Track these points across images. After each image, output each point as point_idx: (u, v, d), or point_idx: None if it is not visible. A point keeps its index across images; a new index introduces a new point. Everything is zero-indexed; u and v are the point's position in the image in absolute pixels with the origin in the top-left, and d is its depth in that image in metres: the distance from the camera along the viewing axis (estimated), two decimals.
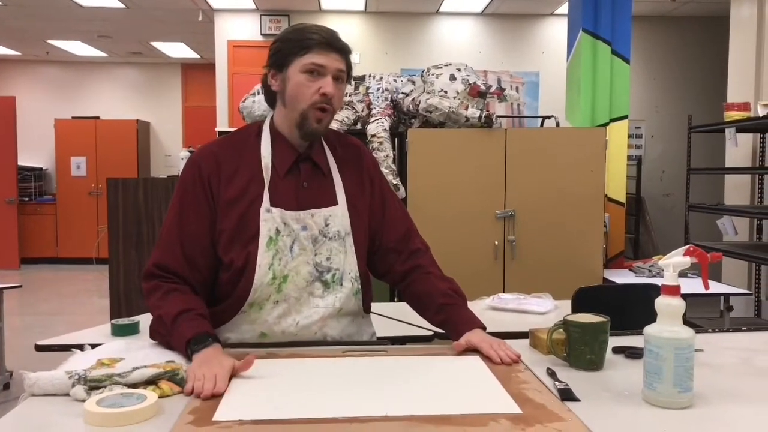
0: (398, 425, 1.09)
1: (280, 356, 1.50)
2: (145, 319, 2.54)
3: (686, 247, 1.31)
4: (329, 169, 1.63)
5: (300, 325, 1.56)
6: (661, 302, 1.23)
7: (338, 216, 1.59)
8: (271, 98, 1.63)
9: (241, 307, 1.55)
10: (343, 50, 1.55)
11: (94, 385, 1.24)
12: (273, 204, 1.54)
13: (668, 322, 1.22)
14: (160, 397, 1.24)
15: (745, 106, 4.62)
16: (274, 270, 1.53)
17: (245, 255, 1.51)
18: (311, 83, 1.52)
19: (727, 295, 3.67)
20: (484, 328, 1.58)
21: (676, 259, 1.28)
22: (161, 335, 1.51)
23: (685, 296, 1.23)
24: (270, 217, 1.53)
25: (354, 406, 1.17)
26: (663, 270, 1.26)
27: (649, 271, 4.03)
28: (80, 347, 1.50)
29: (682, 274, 1.26)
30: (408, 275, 1.68)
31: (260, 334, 1.57)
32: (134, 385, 1.24)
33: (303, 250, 1.56)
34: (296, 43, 1.53)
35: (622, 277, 3.96)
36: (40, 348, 2.31)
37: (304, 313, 1.57)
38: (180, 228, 1.54)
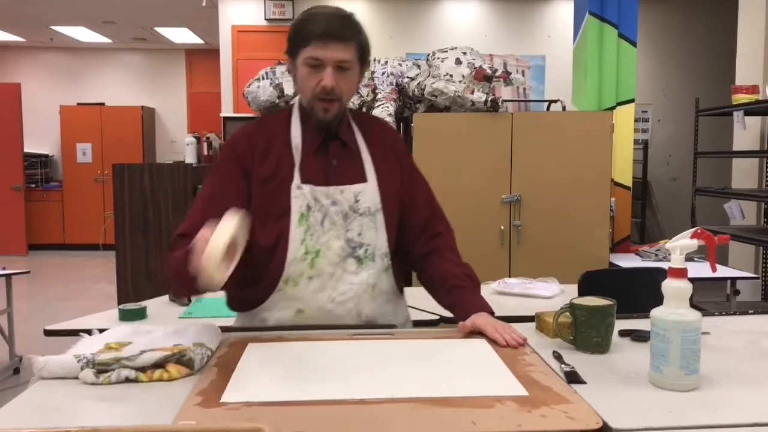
0: (405, 407, 1.10)
1: (288, 339, 1.51)
2: (152, 305, 2.56)
3: (693, 229, 1.31)
4: (358, 147, 1.65)
5: (336, 302, 1.58)
6: (668, 285, 1.22)
7: (368, 193, 1.61)
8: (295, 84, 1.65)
9: (276, 284, 1.57)
10: (346, 38, 1.52)
11: (102, 368, 1.25)
12: (303, 181, 1.57)
13: (675, 304, 1.22)
14: (168, 380, 1.26)
15: (754, 89, 4.58)
16: (306, 245, 1.56)
17: (277, 231, 1.53)
18: (312, 76, 1.53)
19: (734, 279, 3.67)
20: (492, 314, 1.59)
21: (683, 241, 1.27)
22: (177, 277, 1.44)
23: (691, 280, 1.23)
24: (300, 194, 1.56)
25: (361, 389, 1.18)
26: (669, 254, 1.25)
27: (656, 255, 4.02)
28: (88, 332, 1.51)
29: (689, 258, 1.26)
30: (426, 258, 1.70)
31: (297, 310, 1.59)
32: (142, 368, 1.25)
33: (333, 225, 1.58)
34: (298, 35, 1.54)
35: (628, 261, 3.95)
36: (48, 333, 2.33)
37: (339, 290, 1.58)
38: (211, 200, 1.56)
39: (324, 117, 1.56)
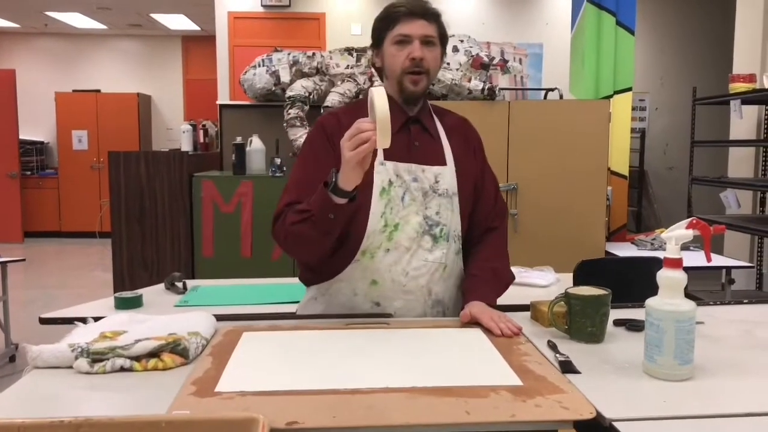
0: (400, 396, 1.10)
1: (283, 328, 1.51)
2: (147, 293, 2.55)
3: (689, 219, 1.31)
4: (438, 133, 1.73)
5: (409, 276, 1.63)
6: (663, 275, 1.22)
7: (447, 176, 1.68)
8: (380, 74, 1.75)
9: (354, 255, 1.61)
10: (429, 16, 1.63)
11: (96, 357, 1.24)
12: (386, 158, 1.62)
13: (669, 294, 1.22)
14: (162, 369, 1.26)
15: (751, 78, 4.58)
16: (386, 218, 1.61)
17: (359, 203, 1.54)
18: (401, 52, 1.63)
19: (729, 268, 3.68)
20: (492, 305, 1.60)
21: (679, 231, 1.27)
22: (303, 216, 1.51)
23: (686, 269, 1.23)
24: (383, 170, 1.62)
25: (356, 378, 1.18)
26: (665, 243, 1.25)
27: (651, 244, 4.03)
28: (83, 320, 1.50)
29: (684, 247, 1.26)
30: (475, 245, 1.77)
31: (371, 281, 1.63)
32: (137, 357, 1.25)
33: (413, 200, 1.64)
34: (385, 20, 1.66)
35: (624, 250, 3.96)
36: (44, 321, 2.33)
37: (414, 264, 1.63)
38: (308, 172, 1.63)
39: (414, 89, 1.64)
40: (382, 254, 1.61)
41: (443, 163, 1.69)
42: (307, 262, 1.72)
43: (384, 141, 1.37)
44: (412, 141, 1.68)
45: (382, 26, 1.66)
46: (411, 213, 1.63)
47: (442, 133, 1.73)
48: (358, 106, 1.73)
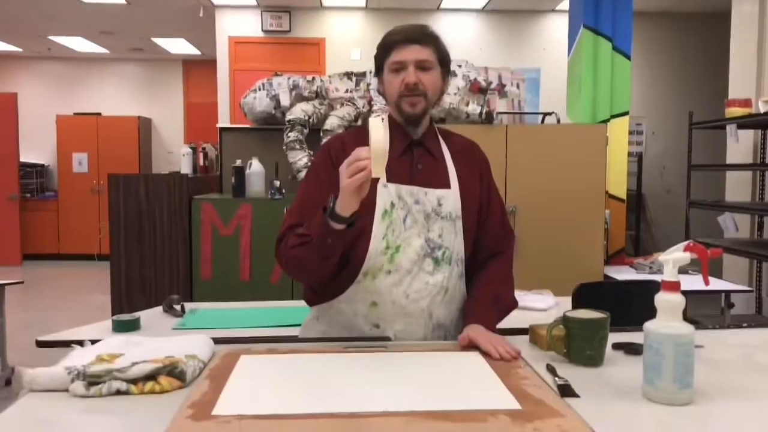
0: (398, 420, 1.09)
1: (280, 352, 1.50)
2: (145, 316, 2.55)
3: (686, 242, 1.31)
4: (442, 155, 1.74)
5: (410, 299, 1.62)
6: (661, 298, 1.23)
7: (451, 199, 1.68)
8: (386, 100, 1.77)
9: (356, 276, 1.62)
10: (423, 40, 1.65)
11: (93, 380, 1.24)
12: (389, 180, 1.63)
13: (668, 317, 1.22)
14: (159, 392, 1.25)
15: (747, 103, 4.61)
16: (387, 240, 1.62)
17: (361, 225, 1.57)
18: (396, 79, 1.65)
19: (728, 292, 3.67)
20: (492, 329, 1.60)
21: (676, 254, 1.28)
22: (303, 240, 1.56)
23: (685, 293, 1.23)
24: (386, 192, 1.63)
25: (354, 402, 1.17)
26: (663, 266, 1.26)
27: (650, 267, 4.03)
28: (80, 343, 1.50)
29: (683, 271, 1.26)
30: (478, 269, 1.77)
31: (372, 303, 1.63)
32: (134, 380, 1.25)
33: (415, 223, 1.64)
34: (381, 49, 1.69)
35: (622, 273, 3.95)
36: (40, 344, 2.31)
37: (415, 287, 1.63)
38: (308, 197, 1.67)
39: (412, 111, 1.66)
40: (384, 276, 1.61)
41: (447, 186, 1.69)
42: (310, 283, 1.74)
43: (378, 170, 1.40)
44: (415, 164, 1.69)
45: (380, 55, 1.69)
46: (413, 235, 1.63)
47: (447, 155, 1.74)
48: (361, 129, 1.74)
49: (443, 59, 1.70)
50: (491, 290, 1.71)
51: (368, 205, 1.58)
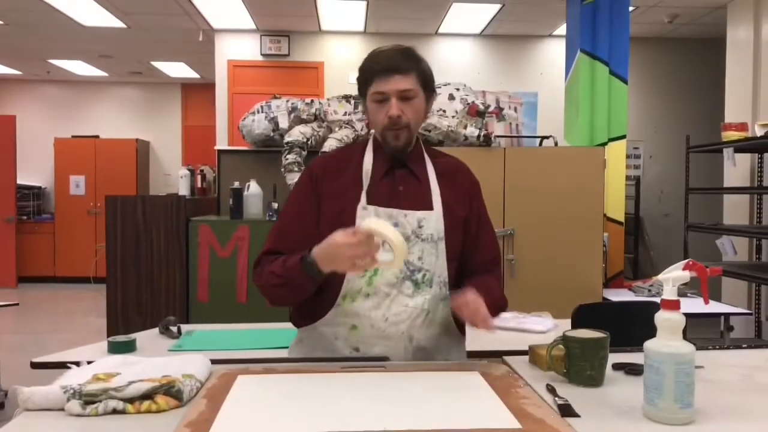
0: None
1: (278, 371, 1.49)
2: (141, 337, 2.53)
3: (685, 261, 1.31)
4: (426, 177, 1.71)
5: (389, 321, 1.61)
6: (661, 317, 1.22)
7: (432, 220, 1.65)
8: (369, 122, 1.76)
9: (335, 299, 1.62)
10: (405, 69, 1.61)
11: (89, 399, 1.22)
12: (369, 203, 1.63)
13: (668, 337, 1.21)
14: (156, 411, 1.23)
15: (743, 127, 4.64)
16: None
17: None
18: (380, 110, 1.63)
19: (727, 315, 3.66)
20: (492, 302, 1.56)
21: (676, 273, 1.27)
22: (279, 282, 1.58)
23: (685, 316, 1.23)
24: (365, 214, 1.62)
25: (352, 421, 1.16)
26: (663, 288, 1.25)
27: (649, 290, 4.02)
28: (76, 364, 1.48)
29: (682, 294, 1.26)
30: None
31: (351, 326, 1.63)
32: (130, 399, 1.23)
33: None
34: (363, 76, 1.66)
35: (621, 296, 3.94)
36: (35, 365, 2.29)
37: (393, 310, 1.61)
38: (288, 220, 1.70)
39: (396, 144, 1.65)
40: (362, 299, 1.60)
41: (429, 207, 1.66)
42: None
43: (399, 262, 1.44)
44: (395, 185, 1.67)
45: (361, 82, 1.67)
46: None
47: (432, 176, 1.71)
48: (346, 150, 1.77)
49: (426, 83, 1.67)
50: (481, 282, 1.65)
51: (347, 226, 1.56)
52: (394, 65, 1.60)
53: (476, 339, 2.69)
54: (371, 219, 1.48)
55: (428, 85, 1.67)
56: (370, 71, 1.63)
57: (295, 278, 1.55)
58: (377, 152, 1.70)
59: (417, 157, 1.72)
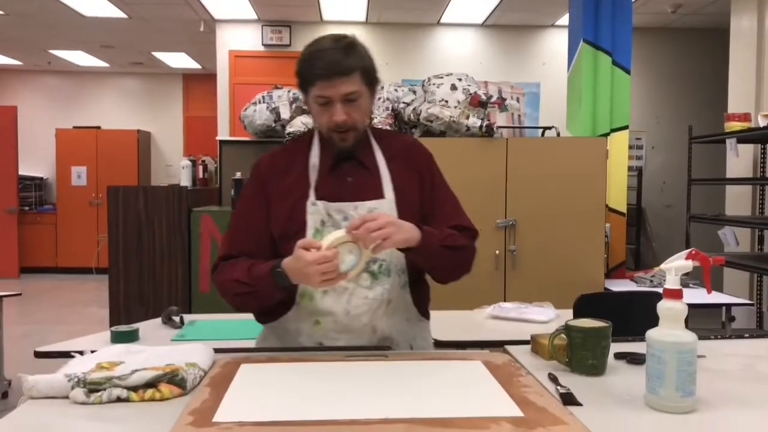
0: (399, 428, 1.08)
1: (281, 360, 1.50)
2: (144, 327, 2.54)
3: (688, 250, 1.31)
4: (376, 165, 1.67)
5: (351, 315, 1.60)
6: (663, 306, 1.22)
7: (384, 209, 1.61)
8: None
9: (294, 297, 1.61)
10: (348, 71, 1.54)
11: (93, 387, 1.23)
12: (318, 198, 1.61)
13: (670, 325, 1.21)
14: (159, 399, 1.24)
15: (746, 117, 4.63)
16: None
17: (293, 247, 1.53)
18: (324, 113, 1.58)
19: (729, 305, 3.66)
20: (425, 236, 1.54)
21: (678, 262, 1.27)
22: (244, 290, 1.56)
23: (686, 305, 1.23)
24: (315, 210, 1.60)
25: (354, 409, 1.17)
26: (665, 279, 1.25)
27: (651, 281, 4.03)
28: (80, 353, 1.49)
29: (684, 284, 1.26)
30: None
31: (315, 322, 1.63)
32: (134, 388, 1.24)
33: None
34: (304, 78, 1.58)
35: (623, 287, 3.95)
36: (39, 354, 2.30)
37: (354, 303, 1.60)
38: (240, 223, 1.68)
39: (343, 146, 1.62)
40: (321, 296, 1.60)
41: (381, 196, 1.63)
42: None
43: (362, 264, 1.49)
44: (344, 177, 1.64)
45: (302, 83, 1.60)
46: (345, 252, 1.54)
47: (381, 162, 1.67)
48: (292, 146, 1.73)
49: (370, 80, 1.60)
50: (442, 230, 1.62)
51: (299, 225, 1.58)
52: (336, 68, 1.52)
53: (478, 329, 2.70)
54: (329, 235, 1.47)
55: (372, 80, 1.61)
56: (310, 74, 1.55)
57: (263, 288, 1.53)
58: (324, 145, 1.67)
59: (364, 146, 1.67)
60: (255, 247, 1.62)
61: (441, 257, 1.59)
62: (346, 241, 1.45)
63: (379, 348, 1.62)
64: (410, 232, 1.51)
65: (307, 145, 1.69)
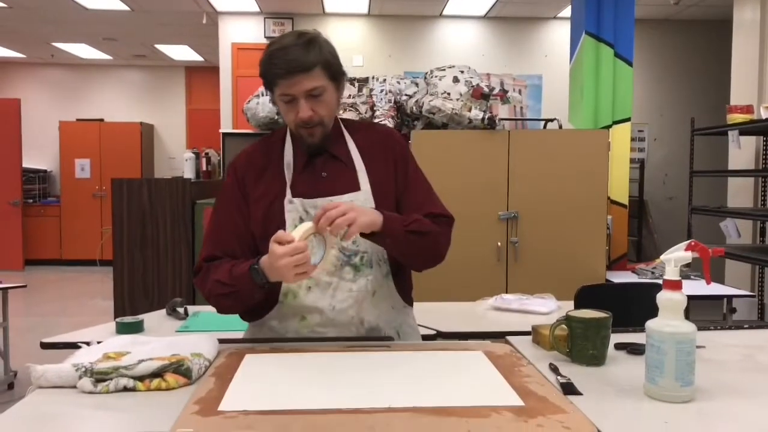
0: (401, 416, 1.10)
1: (285, 350, 1.52)
2: (149, 318, 2.56)
3: (688, 242, 1.32)
4: (350, 158, 1.67)
5: (336, 310, 1.61)
6: (663, 296, 1.23)
7: (360, 201, 1.61)
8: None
9: (277, 295, 1.62)
10: (309, 67, 1.53)
11: (100, 377, 1.25)
12: (294, 195, 1.61)
13: (670, 316, 1.23)
14: (165, 389, 1.26)
15: (748, 109, 4.62)
16: None
17: None
18: (290, 110, 1.58)
19: (730, 297, 3.67)
20: (388, 223, 1.54)
21: (678, 253, 1.29)
22: (227, 290, 1.55)
23: (687, 298, 1.24)
24: (293, 208, 1.60)
25: (357, 398, 1.18)
26: (665, 265, 1.27)
27: (652, 273, 4.04)
28: (87, 343, 1.51)
29: (684, 275, 1.27)
30: None
31: (300, 318, 1.63)
32: (140, 377, 1.26)
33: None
34: (266, 78, 1.58)
35: (624, 278, 3.96)
36: (44, 345, 2.33)
37: (339, 297, 1.61)
38: (220, 223, 1.66)
39: (312, 141, 1.61)
40: (304, 292, 1.60)
41: (356, 188, 1.63)
42: None
43: (328, 257, 1.52)
44: (318, 173, 1.64)
45: (265, 82, 1.59)
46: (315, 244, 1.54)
47: (355, 154, 1.67)
48: (268, 142, 1.71)
49: (333, 74, 1.59)
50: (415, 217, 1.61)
51: (277, 222, 1.58)
52: (296, 65, 1.52)
53: (480, 320, 2.72)
54: (298, 227, 1.46)
55: (336, 74, 1.60)
56: (271, 74, 1.55)
57: (243, 287, 1.52)
58: (296, 142, 1.66)
59: (336, 139, 1.67)
60: (238, 246, 1.62)
61: (407, 243, 1.58)
62: (313, 232, 1.45)
63: (382, 339, 1.64)
64: (372, 215, 1.51)
65: (281, 143, 1.69)
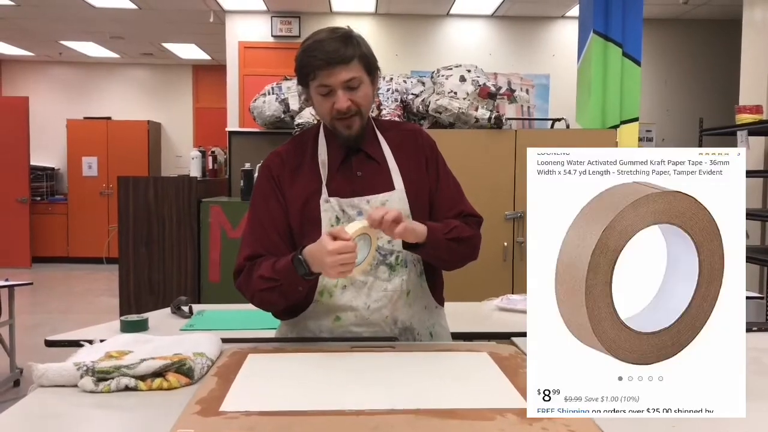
0: (404, 418, 1.09)
1: (288, 351, 1.51)
2: (153, 317, 2.55)
3: None
4: (383, 157, 1.67)
5: (371, 309, 1.61)
6: None
7: (395, 200, 1.62)
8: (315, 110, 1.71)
9: (313, 295, 1.61)
10: (347, 59, 1.55)
11: (102, 376, 1.25)
12: (330, 195, 1.61)
13: None
14: (167, 389, 1.25)
15: (758, 109, 4.59)
16: None
17: (309, 243, 1.54)
18: (326, 102, 1.58)
19: None
20: (429, 234, 1.55)
21: None
22: (270, 285, 1.54)
23: None
24: (329, 207, 1.61)
25: (360, 399, 1.18)
26: None
27: None
28: (90, 342, 1.51)
29: None
30: None
31: (335, 318, 1.63)
32: (142, 377, 1.25)
33: None
34: (303, 70, 1.59)
35: None
36: (49, 343, 2.32)
37: (374, 297, 1.61)
38: (260, 221, 1.65)
39: (348, 134, 1.61)
40: (340, 292, 1.60)
41: (391, 188, 1.64)
42: None
43: (370, 258, 1.52)
44: (354, 172, 1.65)
45: (302, 75, 1.60)
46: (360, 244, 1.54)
47: (388, 154, 1.68)
48: (301, 141, 1.72)
49: (370, 67, 1.61)
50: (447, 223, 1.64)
51: (314, 221, 1.58)
52: (335, 57, 1.54)
53: (485, 321, 2.71)
54: (350, 225, 1.47)
55: (371, 68, 1.62)
56: (310, 66, 1.56)
57: (286, 280, 1.51)
58: (330, 140, 1.67)
59: (370, 138, 1.68)
60: (281, 241, 1.62)
61: (447, 250, 1.60)
62: (364, 232, 1.46)
63: (386, 339, 1.63)
64: (419, 225, 1.54)
65: (314, 141, 1.69)
